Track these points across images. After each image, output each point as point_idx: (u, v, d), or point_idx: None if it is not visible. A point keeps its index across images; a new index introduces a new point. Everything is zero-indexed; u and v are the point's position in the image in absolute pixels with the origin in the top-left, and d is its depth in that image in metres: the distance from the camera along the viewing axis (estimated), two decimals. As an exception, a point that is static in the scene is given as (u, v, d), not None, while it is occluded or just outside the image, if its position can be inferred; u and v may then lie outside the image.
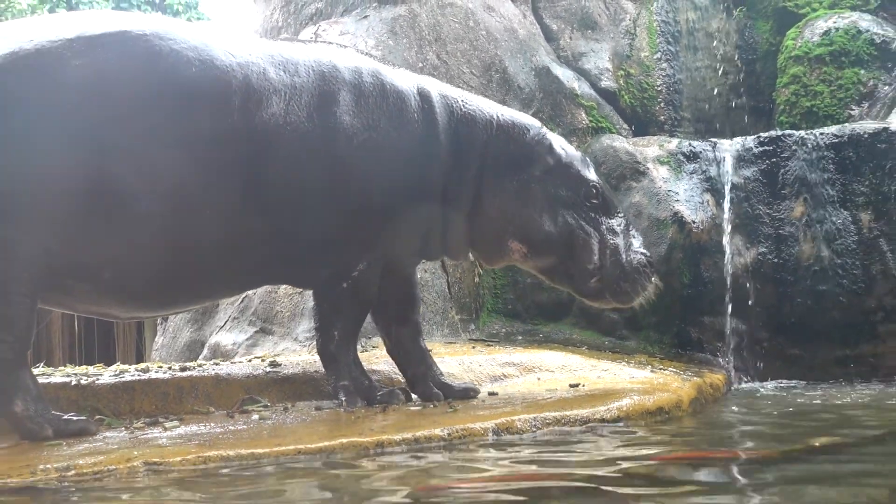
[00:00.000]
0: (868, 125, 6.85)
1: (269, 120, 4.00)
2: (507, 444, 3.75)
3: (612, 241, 4.46)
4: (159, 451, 3.53)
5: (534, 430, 3.94)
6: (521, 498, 2.67)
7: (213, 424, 4.14)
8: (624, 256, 4.45)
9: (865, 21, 8.34)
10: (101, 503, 2.93)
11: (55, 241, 3.77)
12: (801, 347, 6.28)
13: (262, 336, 6.79)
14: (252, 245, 4.16)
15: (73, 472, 3.31)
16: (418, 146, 4.38)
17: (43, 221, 3.74)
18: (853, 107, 8.07)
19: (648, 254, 4.61)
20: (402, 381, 4.87)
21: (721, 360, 6.37)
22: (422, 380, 4.62)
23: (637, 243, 4.56)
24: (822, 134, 6.65)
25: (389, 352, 4.81)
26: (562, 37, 8.78)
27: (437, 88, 4.61)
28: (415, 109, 4.39)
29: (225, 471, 3.34)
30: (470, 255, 4.86)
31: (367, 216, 4.25)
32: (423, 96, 4.46)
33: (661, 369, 5.67)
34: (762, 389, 5.93)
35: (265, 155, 4.01)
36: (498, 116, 4.62)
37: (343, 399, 4.28)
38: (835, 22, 8.35)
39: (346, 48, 4.82)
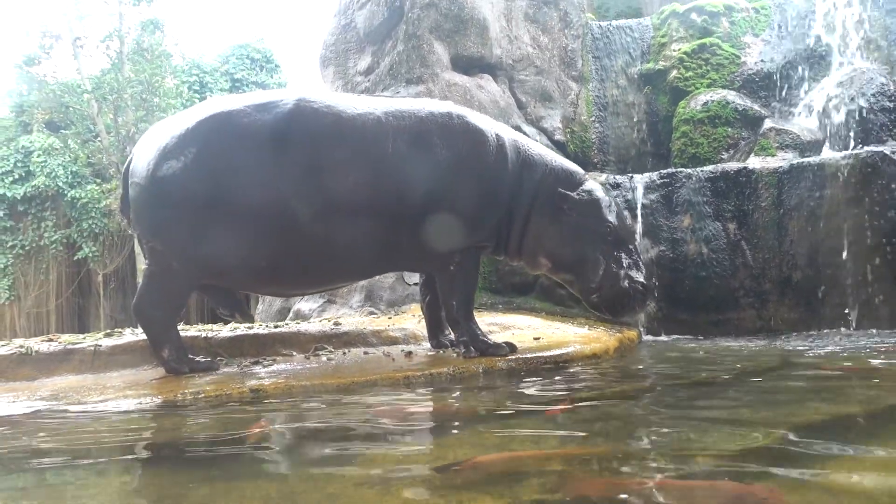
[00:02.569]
0: (733, 165, 6.85)
1: (381, 152, 3.89)
2: (493, 376, 3.74)
3: (614, 270, 4.10)
4: (259, 382, 3.52)
5: (510, 368, 3.92)
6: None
7: (295, 364, 4.13)
8: (621, 283, 4.08)
9: (732, 96, 8.32)
10: (219, 413, 2.91)
11: (237, 245, 3.80)
12: (688, 314, 6.29)
13: (329, 305, 6.78)
14: (379, 245, 4.01)
15: (202, 394, 3.31)
16: (492, 173, 4.15)
17: (223, 231, 3.76)
18: (723, 153, 8.04)
19: (645, 283, 4.19)
20: (423, 335, 4.86)
21: (635, 322, 6.35)
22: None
23: (638, 275, 4.15)
24: (702, 171, 6.66)
25: (426, 313, 4.65)
26: (528, 106, 8.76)
27: (509, 133, 4.37)
28: (491, 145, 4.15)
29: (301, 395, 3.34)
30: (520, 260, 4.44)
31: (456, 221, 4.01)
32: (499, 137, 4.22)
33: (595, 328, 5.65)
34: (661, 341, 5.91)
35: (380, 179, 3.89)
36: (551, 161, 4.36)
37: (463, 351, 4.14)
38: (711, 96, 8.32)
39: (443, 101, 4.58)
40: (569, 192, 4.16)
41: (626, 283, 4.10)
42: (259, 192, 3.73)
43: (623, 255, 4.17)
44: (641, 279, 4.15)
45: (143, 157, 3.84)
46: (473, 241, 4.17)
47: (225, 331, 4.72)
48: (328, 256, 3.95)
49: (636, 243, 4.42)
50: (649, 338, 6.10)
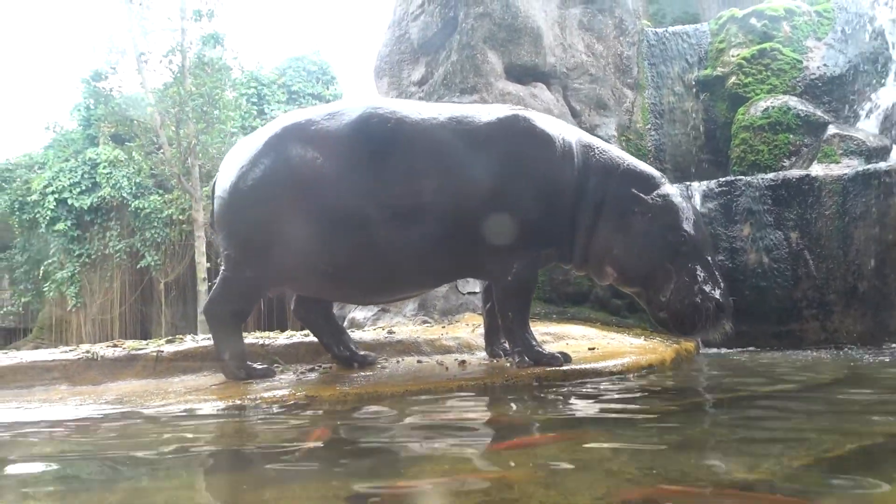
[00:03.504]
0: (795, 173, 6.68)
1: (445, 157, 3.88)
2: (545, 386, 3.72)
3: (686, 284, 3.72)
4: (315, 388, 3.57)
5: (564, 378, 3.90)
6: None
7: (349, 371, 4.17)
8: (694, 299, 3.69)
9: (793, 101, 8.12)
10: (274, 419, 2.97)
11: (307, 252, 3.89)
12: (748, 325, 6.11)
13: (383, 313, 6.84)
14: (446, 251, 3.95)
15: (259, 400, 3.37)
16: (555, 178, 3.95)
17: (294, 238, 3.87)
18: (785, 160, 7.85)
19: (722, 300, 3.73)
20: (477, 345, 4.86)
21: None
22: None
23: (714, 291, 3.73)
24: (763, 178, 6.51)
25: (485, 320, 4.58)
26: (583, 114, 8.70)
27: (579, 136, 4.16)
28: (557, 149, 3.96)
29: (355, 402, 3.38)
30: (586, 269, 4.19)
31: (515, 227, 3.87)
32: (566, 140, 4.03)
33: (651, 339, 5.57)
34: (720, 353, 5.78)
35: (445, 183, 3.85)
36: (625, 163, 4.07)
37: (517, 361, 4.04)
38: (771, 102, 8.14)
39: (506, 105, 4.52)
40: (641, 194, 3.85)
41: (698, 300, 3.69)
42: (328, 199, 3.80)
43: (698, 268, 3.77)
44: (717, 296, 3.72)
45: (223, 172, 4.08)
46: (534, 248, 4.00)
47: (282, 338, 4.81)
48: (396, 263, 3.93)
49: (714, 256, 3.99)
50: (707, 349, 5.98)
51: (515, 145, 3.96)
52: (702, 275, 3.76)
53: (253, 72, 21.95)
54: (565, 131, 4.12)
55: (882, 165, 6.28)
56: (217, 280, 4.14)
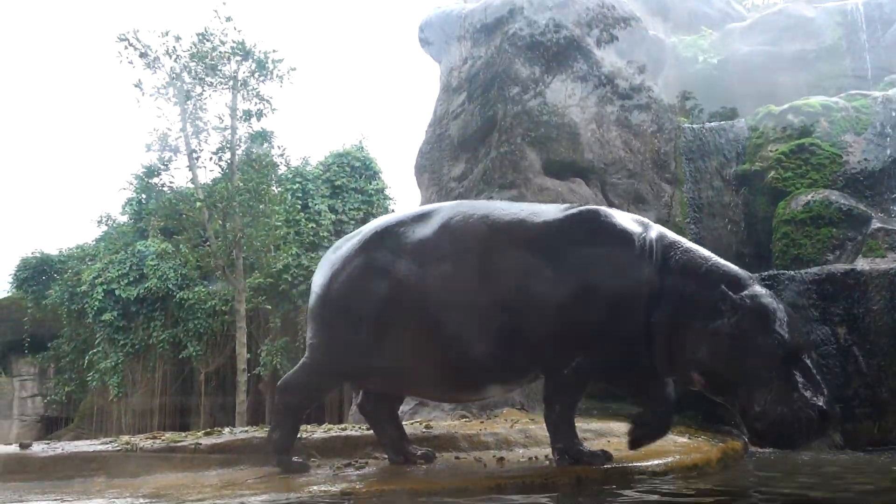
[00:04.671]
0: (840, 267, 6.61)
1: (522, 253, 3.90)
2: (585, 486, 3.62)
3: (783, 392, 3.37)
4: (351, 485, 3.53)
5: (605, 478, 3.80)
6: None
7: (386, 467, 4.12)
8: (793, 408, 3.32)
9: (835, 195, 8.09)
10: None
11: (384, 350, 4.03)
12: (797, 423, 5.92)
13: (421, 407, 6.78)
14: (520, 347, 3.91)
15: (295, 496, 3.34)
16: (632, 275, 3.79)
17: (376, 336, 4.03)
18: (829, 254, 7.76)
19: (826, 407, 3.35)
20: (516, 441, 4.78)
21: (740, 431, 6.03)
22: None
23: (816, 398, 3.35)
24: (806, 273, 6.45)
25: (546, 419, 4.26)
26: (621, 209, 8.73)
27: (661, 233, 3.97)
28: (636, 246, 3.82)
29: (392, 499, 3.33)
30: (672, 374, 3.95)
31: (586, 322, 3.80)
32: (645, 238, 3.88)
33: (696, 437, 5.40)
34: (769, 453, 5.56)
35: (522, 280, 3.87)
36: (709, 264, 3.80)
37: (557, 458, 3.96)
38: (813, 196, 8.12)
39: (583, 203, 4.56)
40: (730, 293, 3.55)
41: (798, 408, 3.33)
42: (411, 298, 3.96)
43: (797, 373, 3.42)
44: (820, 403, 3.35)
45: (321, 269, 4.43)
46: (600, 345, 3.85)
47: (319, 432, 4.78)
48: (474, 359, 3.94)
49: (812, 358, 3.62)
50: (756, 449, 5.76)
51: (591, 241, 3.92)
52: (800, 381, 3.40)
53: (298, 167, 22.64)
54: (646, 229, 3.99)
55: (930, 260, 6.17)
56: (298, 365, 4.35)
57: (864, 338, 5.98)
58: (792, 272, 6.53)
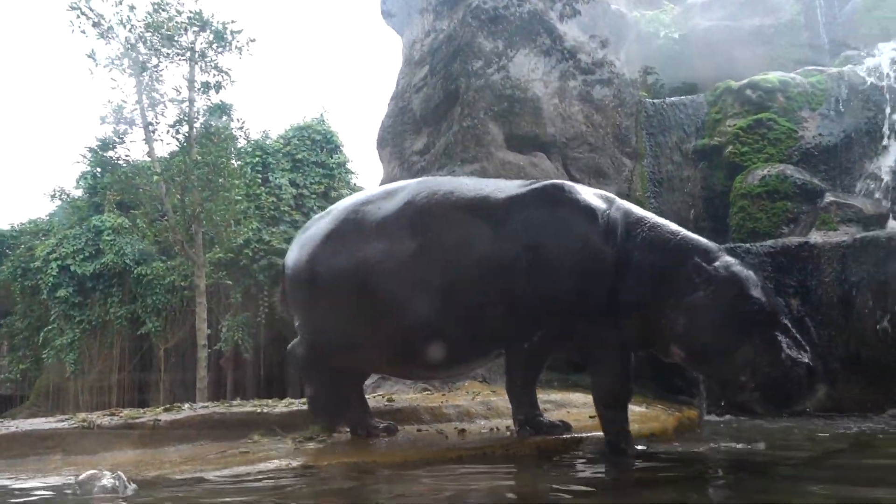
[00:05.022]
0: (794, 240, 6.77)
1: (485, 228, 3.88)
2: (545, 456, 3.68)
3: (770, 354, 3.34)
4: (312, 458, 3.54)
5: (563, 447, 3.86)
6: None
7: (347, 440, 4.14)
8: (782, 369, 3.31)
9: (790, 170, 8.24)
10: (270, 489, 2.93)
11: (359, 325, 4.06)
12: (751, 393, 6.08)
13: (383, 381, 6.79)
14: (488, 321, 3.89)
15: (256, 470, 3.34)
16: (594, 252, 3.73)
17: (349, 312, 4.07)
18: (783, 227, 7.93)
19: (812, 363, 3.35)
20: (477, 413, 4.82)
21: (696, 401, 6.18)
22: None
23: (800, 355, 3.34)
24: (762, 246, 6.58)
25: (508, 391, 4.36)
26: (582, 182, 8.79)
27: (627, 209, 3.92)
28: (599, 223, 3.76)
29: (354, 472, 3.34)
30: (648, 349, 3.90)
31: (550, 296, 3.75)
32: (609, 214, 3.82)
33: (653, 406, 5.52)
34: (723, 421, 5.72)
35: (485, 254, 3.83)
36: (677, 238, 3.75)
37: (517, 429, 4.09)
38: (769, 171, 8.27)
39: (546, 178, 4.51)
40: (703, 264, 3.51)
41: (787, 368, 3.31)
42: (379, 274, 3.94)
43: (779, 335, 3.40)
44: (806, 360, 3.35)
45: (291, 250, 4.44)
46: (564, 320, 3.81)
47: (280, 406, 4.77)
48: (443, 334, 3.93)
49: (788, 319, 3.56)
50: (711, 417, 5.91)
51: (555, 216, 3.87)
52: (784, 341, 3.39)
53: (258, 140, 22.35)
54: (611, 204, 3.94)
55: (881, 233, 6.35)
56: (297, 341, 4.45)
57: (817, 309, 6.14)
58: (748, 245, 6.66)
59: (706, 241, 3.82)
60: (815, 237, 6.92)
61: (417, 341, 3.97)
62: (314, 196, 21.90)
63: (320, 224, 4.29)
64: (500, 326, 3.93)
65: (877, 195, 7.86)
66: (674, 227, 3.89)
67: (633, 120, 9.44)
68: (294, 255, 4.35)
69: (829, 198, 7.81)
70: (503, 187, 4.06)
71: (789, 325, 3.48)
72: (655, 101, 9.82)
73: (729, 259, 3.62)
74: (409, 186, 4.16)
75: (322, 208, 21.58)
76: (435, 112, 8.93)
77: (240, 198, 17.96)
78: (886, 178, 7.85)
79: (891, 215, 7.42)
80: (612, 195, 4.10)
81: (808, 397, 3.39)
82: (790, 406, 3.45)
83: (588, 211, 3.83)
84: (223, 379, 22.43)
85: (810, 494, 2.66)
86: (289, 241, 20.45)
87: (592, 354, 3.89)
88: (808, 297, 6.19)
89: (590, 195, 3.97)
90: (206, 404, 5.33)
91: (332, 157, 23.03)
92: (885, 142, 8.29)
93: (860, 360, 5.89)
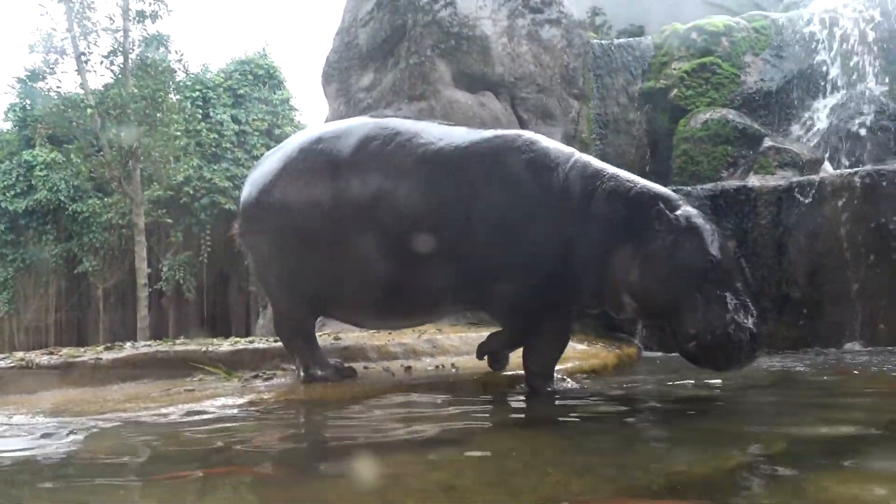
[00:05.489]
0: (733, 183, 6.92)
1: (435, 180, 3.73)
2: (492, 390, 3.76)
3: (716, 313, 3.25)
4: (259, 395, 3.54)
5: (507, 383, 3.95)
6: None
7: (291, 377, 4.15)
8: (725, 329, 3.22)
9: (732, 115, 8.39)
10: (215, 427, 2.93)
11: (305, 269, 3.96)
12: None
13: (329, 319, 6.80)
14: (443, 281, 3.77)
15: (200, 409, 3.33)
16: (553, 207, 3.62)
17: (296, 255, 3.94)
18: (724, 171, 8.10)
19: (755, 329, 3.25)
20: (423, 350, 4.89)
21: (635, 338, 6.38)
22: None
23: (746, 319, 3.25)
24: (702, 188, 6.72)
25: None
26: (530, 123, 8.81)
27: (586, 161, 3.77)
28: (559, 175, 3.64)
29: (300, 408, 3.37)
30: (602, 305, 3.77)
31: (503, 253, 3.65)
32: (569, 166, 3.69)
33: (594, 344, 5.67)
34: (661, 358, 5.93)
35: (435, 207, 3.72)
36: (637, 187, 3.62)
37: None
38: (711, 115, 8.40)
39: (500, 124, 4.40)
40: (666, 212, 3.40)
41: (731, 331, 3.23)
42: (328, 218, 3.82)
43: (728, 295, 3.30)
44: (750, 324, 3.26)
45: (245, 186, 4.24)
46: (519, 276, 3.68)
47: (225, 345, 4.74)
48: (393, 287, 3.84)
49: (745, 280, 3.51)
50: (649, 354, 6.12)
51: (513, 168, 3.72)
52: (733, 303, 3.29)
53: (198, 74, 21.61)
54: (570, 156, 3.79)
55: (814, 177, 6.54)
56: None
57: (752, 251, 6.34)
58: (689, 188, 6.79)
59: (667, 190, 3.72)
60: (753, 181, 7.09)
61: (365, 289, 3.91)
62: (257, 133, 21.40)
63: (272, 161, 4.14)
64: (453, 282, 3.81)
65: (813, 141, 8.08)
66: (632, 176, 3.77)
67: (580, 61, 9.42)
68: (245, 192, 4.22)
69: (767, 142, 7.99)
70: (462, 136, 3.89)
71: (742, 287, 3.38)
72: (603, 42, 9.81)
73: (690, 209, 3.52)
74: (364, 127, 3.99)
75: (265, 146, 21.19)
76: (382, 47, 8.75)
77: (179, 133, 17.46)
78: (822, 124, 8.06)
79: (826, 160, 7.65)
80: (571, 148, 3.97)
81: (746, 362, 3.31)
82: (728, 368, 3.38)
83: (548, 163, 3.72)
84: (165, 319, 22.14)
85: (732, 425, 2.79)
86: (231, 178, 20.07)
87: (537, 324, 3.76)
88: (744, 239, 6.38)
89: (550, 147, 3.84)
90: (148, 343, 5.26)
91: (275, 93, 22.46)
92: (822, 88, 8.49)
93: (790, 300, 6.14)
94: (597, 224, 3.56)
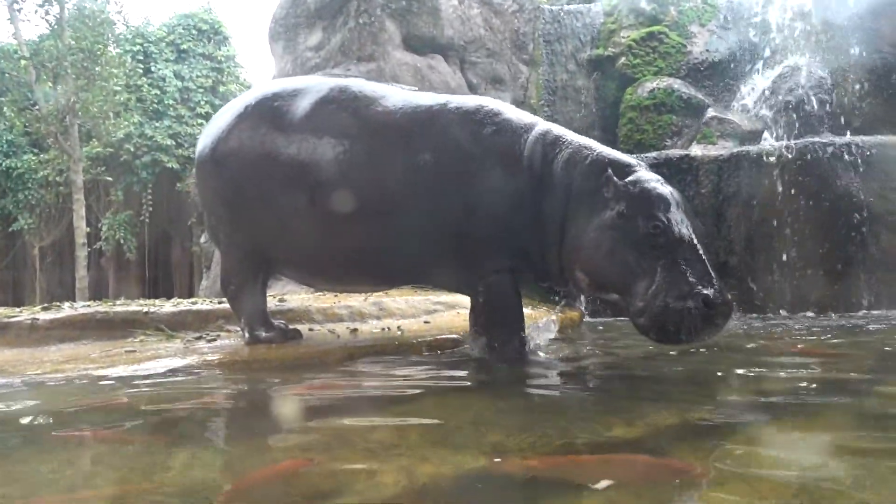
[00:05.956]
0: (676, 152, 7.05)
1: (398, 150, 3.63)
2: (437, 350, 3.80)
3: (665, 284, 2.99)
4: (202, 357, 3.52)
5: (454, 343, 4.00)
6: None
7: (235, 339, 4.12)
8: (676, 301, 2.93)
9: (677, 84, 8.51)
10: (156, 386, 2.91)
11: (260, 226, 3.92)
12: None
13: (274, 281, 6.74)
14: (399, 252, 3.68)
15: (141, 369, 3.29)
16: (512, 177, 3.48)
17: (248, 212, 3.91)
18: (668, 140, 8.24)
19: (714, 297, 2.90)
20: (370, 313, 4.90)
21: (577, 303, 6.50)
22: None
23: (704, 288, 2.91)
24: (646, 157, 6.80)
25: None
26: (479, 88, 8.80)
27: (546, 129, 3.62)
28: (520, 144, 3.52)
29: (242, 370, 3.36)
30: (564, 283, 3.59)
31: (455, 224, 3.52)
32: (530, 134, 3.57)
33: (538, 308, 5.75)
34: (603, 322, 6.06)
35: (392, 175, 3.61)
36: (593, 154, 3.45)
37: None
38: (657, 84, 8.51)
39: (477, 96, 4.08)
40: (614, 178, 3.21)
41: (680, 302, 2.93)
42: (280, 177, 3.75)
43: (682, 263, 3.02)
44: (709, 293, 2.92)
45: (201, 140, 4.19)
46: (496, 263, 3.55)
47: (168, 306, 4.68)
48: (345, 253, 3.77)
49: (704, 248, 3.17)
50: (591, 319, 6.25)
51: (475, 137, 3.58)
52: (686, 270, 2.99)
53: (139, 28, 20.84)
54: (531, 125, 3.66)
55: (753, 148, 6.71)
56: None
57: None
58: (634, 156, 6.89)
59: (625, 157, 3.55)
60: (696, 150, 7.24)
61: (316, 251, 3.86)
62: (201, 90, 20.81)
63: (228, 115, 4.06)
64: (409, 251, 3.70)
65: (753, 112, 8.26)
66: (592, 142, 3.61)
67: (531, 26, 9.40)
68: (200, 144, 4.17)
69: (710, 113, 8.15)
70: (419, 102, 3.77)
71: (699, 255, 3.06)
72: (553, 8, 9.80)
73: (644, 175, 3.29)
74: (324, 87, 3.90)
75: (210, 104, 20.66)
76: (330, 5, 8.58)
77: (119, 88, 16.88)
78: (762, 96, 8.24)
79: (765, 132, 7.84)
80: (534, 117, 3.85)
81: (705, 333, 2.99)
82: (681, 342, 3.06)
83: (509, 135, 3.60)
84: (105, 279, 21.62)
85: (666, 387, 2.89)
86: (174, 136, 19.53)
87: (493, 302, 3.63)
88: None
89: (512, 118, 3.69)
90: (87, 304, 5.15)
91: (219, 50, 21.82)
92: (764, 60, 8.66)
93: (728, 266, 6.33)
94: (553, 194, 3.43)
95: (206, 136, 4.12)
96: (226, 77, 21.72)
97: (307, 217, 3.73)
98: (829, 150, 6.20)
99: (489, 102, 3.77)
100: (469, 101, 3.78)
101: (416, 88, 4.12)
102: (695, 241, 3.09)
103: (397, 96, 3.81)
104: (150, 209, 19.65)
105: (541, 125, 3.68)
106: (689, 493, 1.44)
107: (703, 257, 3.06)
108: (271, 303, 4.88)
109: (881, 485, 1.43)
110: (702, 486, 1.46)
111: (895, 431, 1.95)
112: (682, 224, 3.12)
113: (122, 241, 19.62)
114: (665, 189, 3.21)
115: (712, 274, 3.01)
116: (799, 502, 1.33)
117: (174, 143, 19.29)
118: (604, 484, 1.47)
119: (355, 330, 4.43)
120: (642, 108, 8.38)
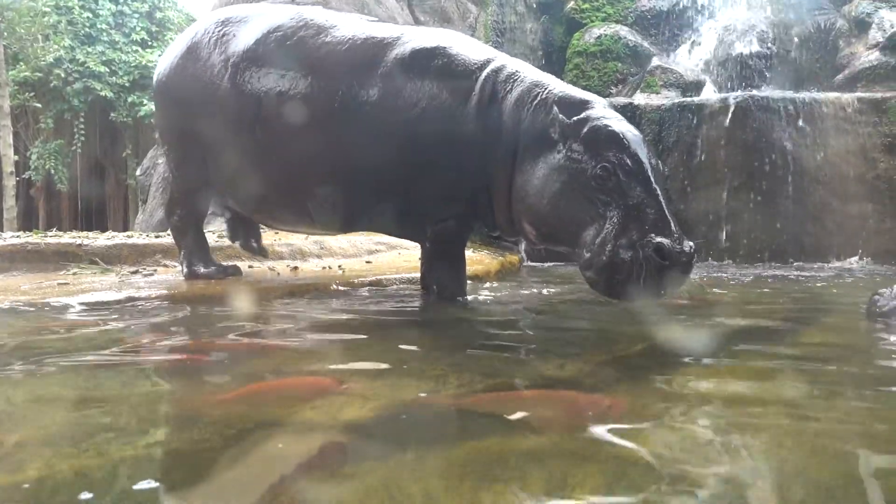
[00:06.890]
0: (620, 100, 7.12)
1: (338, 83, 3.44)
2: (377, 290, 3.82)
3: (613, 232, 2.68)
4: (138, 291, 3.45)
5: (394, 283, 4.02)
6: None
7: (173, 274, 4.06)
8: (621, 251, 2.62)
9: (624, 31, 8.54)
10: (89, 322, 2.85)
11: (204, 160, 3.85)
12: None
13: (213, 217, 6.62)
14: (344, 196, 3.54)
15: (72, 300, 3.22)
16: (462, 113, 3.27)
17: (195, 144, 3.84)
18: (613, 87, 8.29)
19: (671, 247, 2.55)
20: (311, 252, 4.86)
21: (518, 247, 6.58)
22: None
23: (657, 237, 2.57)
24: (591, 103, 6.85)
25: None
26: (426, 25, 8.65)
27: (501, 65, 3.37)
28: (472, 84, 3.29)
29: (180, 305, 3.32)
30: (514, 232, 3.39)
31: (402, 165, 3.36)
32: (483, 72, 3.32)
33: (479, 251, 5.81)
34: (541, 266, 6.17)
35: (335, 112, 3.43)
36: (545, 91, 3.17)
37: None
38: (605, 30, 8.51)
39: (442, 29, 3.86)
40: (562, 116, 2.95)
41: (628, 252, 2.61)
42: (223, 110, 3.65)
43: (636, 210, 2.69)
44: (663, 241, 2.58)
45: (158, 66, 4.09)
46: (442, 212, 3.40)
47: (102, 239, 4.55)
48: (289, 192, 3.67)
49: (663, 192, 2.80)
50: (531, 263, 6.34)
51: (426, 74, 3.36)
52: (638, 216, 2.68)
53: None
54: (486, 62, 3.41)
55: (695, 99, 6.81)
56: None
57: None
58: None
59: (581, 93, 3.24)
60: (640, 98, 7.31)
61: (259, 189, 3.75)
62: (137, 15, 19.86)
63: (183, 39, 3.97)
64: (352, 197, 3.57)
65: (697, 63, 8.35)
66: (547, 79, 3.33)
67: (481, -35, 9.23)
68: (157, 69, 4.09)
69: (655, 62, 8.21)
70: (373, 35, 3.53)
71: (660, 197, 2.74)
72: (505, -54, 9.63)
73: (597, 112, 2.99)
74: (275, 14, 3.69)
75: (146, 30, 19.79)
76: (275, -67, 8.24)
77: (48, 10, 15.99)
78: (707, 47, 8.33)
79: (707, 83, 7.95)
80: (493, 52, 3.58)
81: (661, 287, 2.65)
82: (632, 296, 2.69)
83: (461, 70, 3.37)
84: (34, 210, 20.84)
85: (599, 327, 2.98)
86: (107, 63, 18.68)
87: (437, 251, 3.55)
88: (626, 154, 6.61)
89: (465, 54, 3.44)
90: (17, 234, 4.98)
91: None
92: (710, 12, 8.72)
93: (664, 214, 6.48)
94: (503, 138, 3.18)
95: (161, 63, 4.06)
96: (163, 2, 20.76)
97: (249, 152, 3.65)
98: (767, 104, 6.33)
99: (445, 36, 3.56)
100: (423, 35, 3.54)
101: (377, 19, 3.91)
102: (653, 184, 2.76)
103: (349, 27, 3.58)
104: (83, 139, 18.89)
105: (497, 61, 3.41)
106: (609, 425, 1.50)
107: (661, 202, 2.73)
108: (211, 238, 4.80)
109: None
110: (624, 420, 1.52)
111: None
112: (636, 166, 2.79)
113: (52, 171, 18.86)
114: (619, 127, 2.90)
115: (670, 220, 2.67)
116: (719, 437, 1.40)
117: (108, 70, 18.45)
118: (525, 415, 1.52)
119: (296, 268, 4.40)
120: (588, 54, 8.39)
